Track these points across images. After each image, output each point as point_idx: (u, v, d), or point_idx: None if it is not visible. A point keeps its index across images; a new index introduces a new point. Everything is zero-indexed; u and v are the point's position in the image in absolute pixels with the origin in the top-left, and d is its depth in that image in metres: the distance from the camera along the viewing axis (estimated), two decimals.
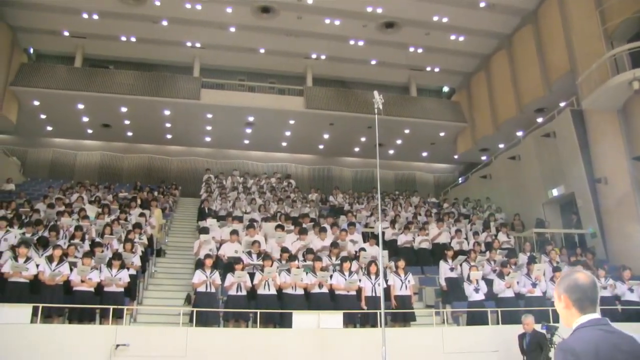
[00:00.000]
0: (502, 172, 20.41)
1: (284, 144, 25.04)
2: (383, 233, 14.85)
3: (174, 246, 15.32)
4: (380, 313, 7.28)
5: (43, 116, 21.88)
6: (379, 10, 19.49)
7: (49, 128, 23.14)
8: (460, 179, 25.56)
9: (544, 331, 8.35)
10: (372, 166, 25.89)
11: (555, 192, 17.53)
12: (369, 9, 19.43)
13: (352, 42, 21.61)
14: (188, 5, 19.25)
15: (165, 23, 20.31)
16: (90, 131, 23.51)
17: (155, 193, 18.76)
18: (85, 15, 19.75)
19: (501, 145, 21.99)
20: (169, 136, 24.17)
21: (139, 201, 16.10)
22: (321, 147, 25.19)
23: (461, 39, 21.17)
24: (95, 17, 19.83)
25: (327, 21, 20.19)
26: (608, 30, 16.21)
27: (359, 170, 26.85)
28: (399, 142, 24.71)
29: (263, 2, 19.13)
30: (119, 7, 19.21)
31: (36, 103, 20.83)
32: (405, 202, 19.75)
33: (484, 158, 23.39)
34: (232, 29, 20.75)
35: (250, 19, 20.01)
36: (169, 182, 21.79)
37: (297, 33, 20.96)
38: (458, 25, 20.33)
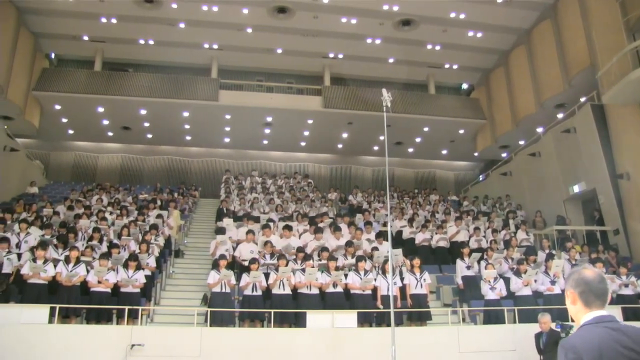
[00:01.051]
0: (523, 169, 20.14)
1: (303, 143, 25.06)
2: (400, 232, 14.85)
3: (192, 247, 15.42)
4: (391, 312, 7.16)
5: (64, 120, 22.24)
6: (395, 8, 19.38)
7: (71, 131, 23.51)
8: (480, 176, 25.30)
9: (558, 330, 8.22)
10: (391, 164, 25.83)
11: (576, 189, 17.25)
12: (385, 7, 19.34)
13: (369, 41, 21.54)
14: (204, 8, 19.38)
15: (182, 25, 20.47)
16: (110, 134, 23.83)
17: (175, 194, 18.96)
18: (103, 20, 20.02)
19: (521, 142, 21.71)
20: (188, 138, 24.37)
21: (158, 202, 16.29)
22: (340, 146, 25.15)
23: (479, 35, 20.96)
24: (114, 21, 20.09)
25: (344, 20, 20.16)
26: (629, 22, 15.92)
27: (378, 169, 26.74)
28: (418, 140, 24.56)
29: (279, 3, 19.17)
30: (136, 11, 19.43)
31: (57, 107, 21.18)
32: (424, 200, 19.64)
33: (504, 155, 23.11)
34: (249, 30, 20.84)
35: (267, 19, 20.07)
36: (189, 183, 21.96)
37: (314, 33, 20.97)
38: (475, 21, 20.12)
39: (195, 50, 22.18)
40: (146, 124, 22.83)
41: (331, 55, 22.79)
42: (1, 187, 17.83)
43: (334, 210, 17.50)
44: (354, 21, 20.20)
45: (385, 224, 16.74)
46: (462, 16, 19.75)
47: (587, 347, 2.33)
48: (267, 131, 23.61)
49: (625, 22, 15.70)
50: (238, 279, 10.48)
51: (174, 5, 19.27)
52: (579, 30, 17.65)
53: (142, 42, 21.56)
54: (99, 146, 24.94)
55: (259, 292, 10.10)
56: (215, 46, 22.09)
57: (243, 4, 19.35)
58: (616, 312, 10.37)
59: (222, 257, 10.52)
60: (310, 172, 25.03)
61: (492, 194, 20.73)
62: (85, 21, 20.20)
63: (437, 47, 21.88)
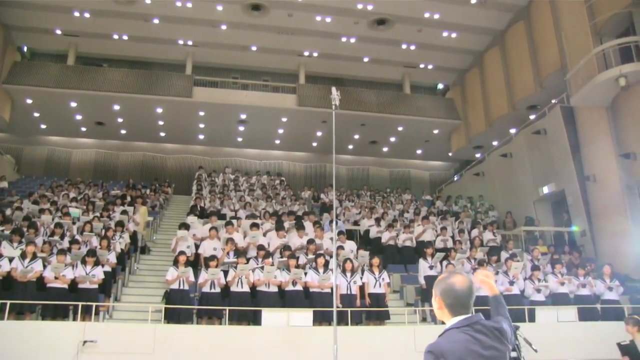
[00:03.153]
0: (495, 169, 20.30)
1: (278, 141, 25.05)
2: (367, 231, 14.86)
3: (161, 243, 15.32)
4: (333, 311, 7.17)
5: (36, 114, 22.02)
6: (370, 7, 19.42)
7: (43, 126, 23.28)
8: (455, 176, 25.43)
9: None
10: (366, 163, 25.95)
11: (545, 190, 17.42)
12: (360, 6, 19.38)
13: (344, 40, 21.58)
14: (178, 3, 19.28)
15: (156, 21, 20.35)
16: (84, 129, 23.62)
17: (147, 191, 18.84)
18: (77, 14, 19.84)
19: (495, 143, 21.87)
20: (162, 134, 24.26)
21: (128, 199, 16.17)
22: (315, 144, 25.15)
23: (454, 35, 21.07)
24: (87, 15, 19.93)
25: (318, 18, 20.18)
26: (597, 25, 16.05)
27: (353, 167, 26.80)
28: (393, 139, 24.65)
29: (253, 0, 19.10)
30: (110, 5, 19.29)
31: (29, 101, 20.96)
32: (396, 200, 19.71)
33: (478, 155, 23.25)
34: (224, 27, 20.77)
35: (241, 16, 20.02)
36: (162, 179, 21.82)
37: (289, 30, 20.97)
38: (450, 22, 20.23)
39: (170, 46, 22.07)
40: (120, 120, 22.67)
41: (306, 53, 22.79)
42: None
43: (304, 208, 17.49)
44: (328, 20, 20.21)
45: (355, 223, 16.82)
46: (436, 16, 19.83)
47: (451, 349, 2.41)
48: (242, 128, 23.56)
49: (593, 25, 15.83)
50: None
51: (148, 1, 19.15)
52: (551, 32, 17.81)
53: (116, 37, 21.40)
54: (73, 141, 24.71)
55: (217, 290, 10.06)
56: (190, 42, 22.01)
57: (217, 1, 19.27)
58: (572, 312, 10.49)
59: (181, 253, 10.46)
60: (285, 170, 25.06)
61: (466, 194, 20.87)
62: (58, 14, 19.99)
63: (412, 47, 21.96)
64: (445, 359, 2.37)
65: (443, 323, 2.59)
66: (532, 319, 10.30)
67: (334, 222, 7.49)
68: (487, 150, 22.09)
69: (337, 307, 10.13)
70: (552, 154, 17.04)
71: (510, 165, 19.20)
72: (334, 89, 7.53)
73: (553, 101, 17.74)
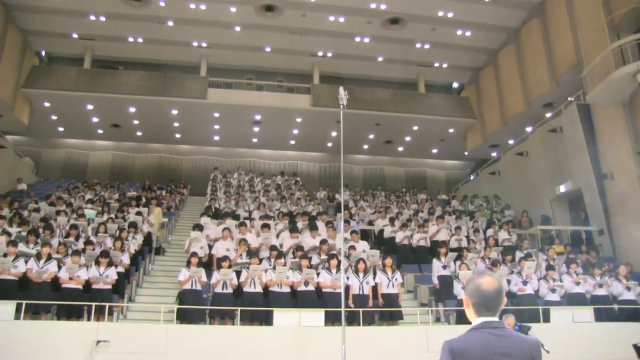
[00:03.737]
0: (510, 168, 20.11)
1: (293, 142, 25.07)
2: (382, 230, 14.80)
3: (176, 244, 15.39)
4: (341, 311, 7.16)
5: (54, 117, 22.30)
6: (383, 7, 19.36)
7: (61, 129, 23.56)
8: (472, 175, 25.24)
9: (516, 330, 8.17)
10: (381, 163, 25.89)
11: (562, 189, 17.21)
12: (373, 5, 19.32)
13: (357, 39, 21.53)
14: (192, 6, 19.39)
15: (170, 23, 20.48)
16: (100, 131, 23.86)
17: (163, 192, 18.98)
18: (92, 18, 20.06)
19: (511, 141, 21.65)
20: (178, 135, 24.41)
21: (143, 200, 16.30)
22: (330, 144, 25.12)
23: (468, 33, 20.91)
24: (102, 19, 20.13)
25: (332, 18, 20.15)
26: (614, 20, 15.85)
27: (369, 167, 26.75)
28: (408, 139, 24.55)
29: (266, 1, 19.16)
30: (124, 8, 19.45)
31: (47, 104, 21.24)
32: (411, 199, 19.62)
33: (494, 154, 23.04)
34: (237, 28, 20.84)
35: (255, 17, 20.06)
36: (178, 181, 21.96)
37: (302, 31, 20.97)
38: (464, 20, 20.07)
39: (184, 48, 22.19)
40: (136, 122, 22.86)
41: (320, 53, 22.78)
42: None
43: (319, 208, 17.49)
44: (342, 19, 20.18)
45: (370, 223, 16.78)
46: (450, 15, 19.70)
47: (463, 349, 2.49)
48: (256, 129, 23.63)
49: (609, 20, 15.62)
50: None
51: (162, 3, 19.29)
52: (566, 28, 17.60)
53: (131, 39, 21.57)
54: (90, 143, 24.98)
55: (230, 290, 10.10)
56: (204, 44, 22.11)
57: (230, 2, 19.35)
58: (588, 312, 10.35)
59: (194, 254, 10.54)
60: (300, 171, 25.07)
61: (482, 193, 20.73)
62: (74, 19, 20.22)
63: (426, 46, 21.84)
64: (462, 357, 2.46)
65: (467, 323, 2.66)
66: (546, 319, 10.19)
67: (341, 223, 7.45)
68: (502, 149, 21.89)
69: (349, 307, 10.19)
70: (569, 152, 16.83)
71: (526, 163, 19.01)
72: (341, 89, 7.54)
73: (570, 99, 17.52)
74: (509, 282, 10.96)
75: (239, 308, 9.59)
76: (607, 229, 15.30)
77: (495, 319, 2.57)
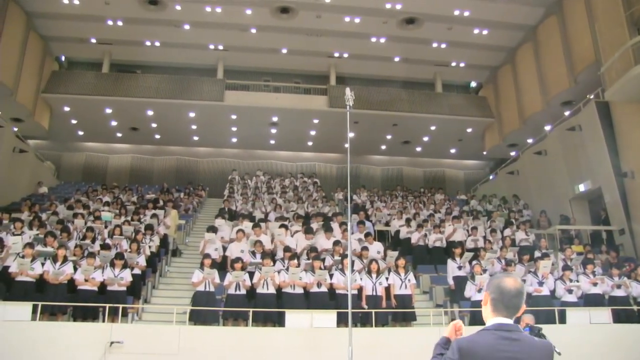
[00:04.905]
0: (529, 167, 19.88)
1: (310, 143, 25.07)
2: (398, 231, 14.73)
3: (193, 246, 15.47)
4: (349, 312, 7.13)
5: (74, 121, 22.60)
6: (398, 7, 19.27)
7: (80, 133, 23.89)
8: (491, 175, 25.01)
9: (527, 332, 8.04)
10: (400, 164, 25.77)
11: (582, 188, 16.95)
12: (388, 6, 19.24)
13: (373, 40, 21.46)
14: (208, 9, 19.51)
15: (187, 27, 20.64)
16: (119, 135, 24.17)
17: (181, 194, 19.11)
18: (110, 23, 20.30)
19: (530, 140, 21.38)
20: (196, 138, 24.59)
21: (160, 202, 16.44)
22: (347, 145, 25.02)
23: (485, 32, 20.71)
24: (120, 23, 20.36)
25: (347, 19, 20.12)
26: (633, 15, 15.60)
27: (387, 168, 26.65)
28: (425, 139, 24.40)
29: (281, 3, 19.21)
30: (141, 13, 19.66)
31: (66, 109, 21.57)
32: (428, 199, 19.48)
33: (513, 153, 22.79)
34: (253, 30, 20.91)
35: (270, 19, 20.12)
36: (196, 183, 22.12)
37: (318, 32, 20.96)
38: (480, 19, 19.88)
39: (201, 51, 22.34)
40: (154, 125, 23.09)
41: (336, 54, 22.77)
42: (11, 188, 18.16)
43: (335, 209, 17.46)
44: (357, 20, 20.14)
45: (387, 224, 16.70)
46: (466, 13, 19.54)
47: (470, 350, 2.47)
48: (274, 131, 23.69)
49: (628, 15, 15.36)
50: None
51: (178, 7, 19.44)
52: (584, 25, 17.34)
53: (148, 43, 21.81)
54: (109, 147, 25.30)
55: (243, 292, 10.13)
56: (220, 47, 22.22)
57: (246, 5, 19.43)
58: (606, 314, 10.17)
59: (207, 256, 10.60)
60: (318, 172, 25.05)
61: (501, 193, 20.51)
62: (92, 24, 20.49)
63: (443, 45, 21.68)
64: (468, 357, 2.44)
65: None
66: (562, 320, 10.04)
67: (349, 224, 7.42)
68: (521, 148, 21.63)
69: (362, 308, 10.16)
70: (588, 150, 16.56)
71: (545, 163, 18.76)
72: (347, 90, 7.51)
73: (589, 97, 17.24)
74: (524, 282, 10.80)
75: (251, 309, 9.61)
76: (628, 228, 15.03)
77: (510, 321, 2.54)
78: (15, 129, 19.43)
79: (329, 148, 25.55)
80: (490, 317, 2.58)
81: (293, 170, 24.57)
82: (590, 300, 10.71)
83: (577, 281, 10.86)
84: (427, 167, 27.02)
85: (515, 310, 2.55)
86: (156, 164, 25.50)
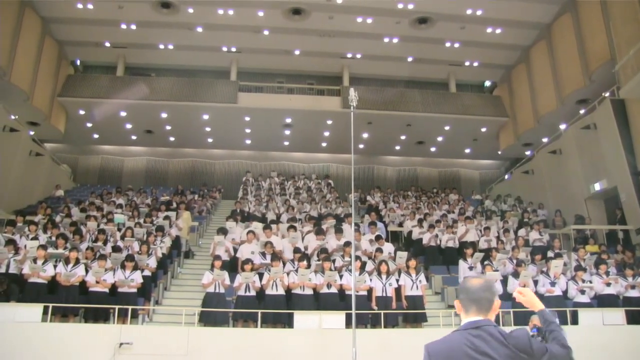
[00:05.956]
0: (544, 167, 19.67)
1: (324, 144, 25.02)
2: (411, 232, 14.66)
3: (207, 248, 15.51)
4: (352, 313, 7.10)
5: (89, 125, 22.83)
6: (410, 6, 19.19)
7: (96, 136, 24.13)
8: (506, 175, 24.79)
9: (534, 333, 7.94)
10: (414, 164, 25.66)
11: (597, 187, 16.72)
12: (400, 6, 19.17)
13: (386, 40, 21.39)
14: (220, 11, 19.61)
15: (200, 29, 20.77)
16: (134, 137, 24.36)
17: (195, 196, 19.19)
18: (124, 26, 20.50)
19: (545, 140, 21.16)
20: (210, 140, 24.70)
21: (174, 204, 16.52)
22: (361, 146, 25.00)
23: (498, 31, 20.53)
24: (133, 27, 20.54)
25: (359, 20, 20.09)
26: None
27: (402, 168, 26.55)
28: (440, 139, 24.25)
29: (293, 5, 19.24)
30: (154, 16, 19.81)
31: (82, 112, 21.79)
32: (442, 200, 19.36)
33: (528, 153, 22.57)
34: (266, 32, 20.96)
35: (283, 21, 20.16)
36: (211, 185, 22.21)
37: (331, 33, 20.95)
38: (493, 17, 19.74)
39: (214, 53, 22.45)
40: (168, 127, 23.24)
41: (349, 55, 22.72)
42: (27, 191, 18.46)
43: (348, 210, 17.40)
44: (369, 20, 20.10)
45: (400, 225, 16.63)
46: (479, 12, 19.40)
47: (439, 351, 2.49)
48: (287, 132, 23.72)
49: None
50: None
51: (191, 10, 19.56)
52: (599, 22, 17.13)
53: (162, 46, 21.98)
54: (125, 149, 25.53)
55: (252, 293, 10.14)
56: (233, 49, 22.32)
57: (258, 7, 19.50)
58: (619, 315, 10.01)
59: (217, 257, 10.65)
60: (332, 173, 25.01)
61: (516, 193, 20.37)
62: (106, 28, 20.72)
63: (456, 45, 21.55)
64: (435, 357, 2.47)
65: None
66: (575, 321, 9.90)
67: (352, 226, 7.40)
68: (536, 147, 21.41)
69: (372, 309, 10.12)
70: (603, 149, 16.34)
71: (560, 162, 18.55)
72: (351, 90, 7.53)
73: (606, 94, 16.99)
74: (536, 282, 10.70)
75: (259, 310, 9.62)
76: None
77: (480, 317, 2.50)
78: (32, 133, 19.71)
79: (343, 149, 25.40)
80: (463, 319, 2.56)
81: (307, 172, 24.55)
82: (603, 301, 10.54)
83: (590, 282, 10.70)
84: (442, 167, 26.86)
85: (486, 303, 2.51)
86: (171, 166, 25.67)
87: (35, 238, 11.47)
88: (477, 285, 2.56)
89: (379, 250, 11.87)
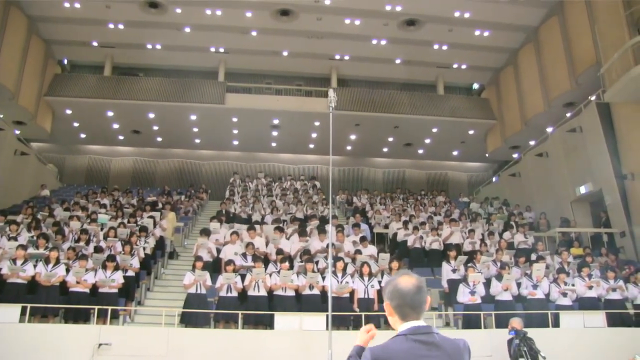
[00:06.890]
0: (531, 169, 19.74)
1: (312, 145, 25.00)
2: (396, 234, 14.65)
3: (191, 249, 15.45)
4: (328, 315, 7.08)
5: (76, 124, 22.70)
6: (398, 8, 19.22)
7: (83, 135, 24.00)
8: (493, 177, 24.88)
9: (512, 336, 7.96)
10: (402, 166, 25.66)
11: (583, 190, 16.78)
12: (388, 7, 19.19)
13: (374, 42, 21.40)
14: (208, 12, 19.56)
15: (188, 30, 20.70)
16: (121, 137, 24.24)
17: (182, 197, 19.11)
18: (111, 26, 20.39)
19: (532, 142, 21.25)
20: (197, 141, 24.63)
21: (159, 205, 16.45)
22: (349, 148, 25.02)
23: (486, 34, 20.60)
24: (121, 27, 20.44)
25: (347, 21, 20.10)
26: (633, 15, 15.46)
27: (389, 170, 26.57)
28: (427, 141, 24.29)
29: (281, 5, 19.21)
30: (142, 16, 19.72)
31: (68, 112, 21.67)
32: (429, 202, 19.39)
33: (515, 156, 22.66)
34: (254, 33, 20.91)
35: (271, 22, 20.12)
36: (198, 185, 22.13)
37: (319, 34, 20.95)
38: (481, 20, 19.80)
39: (202, 53, 22.37)
40: (155, 128, 23.15)
41: (337, 56, 22.72)
42: (13, 191, 18.28)
43: (333, 212, 17.40)
44: (357, 22, 20.12)
45: (386, 227, 16.60)
46: (467, 15, 19.46)
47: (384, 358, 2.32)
48: (275, 133, 23.68)
49: (628, 16, 15.23)
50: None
51: (178, 10, 19.50)
52: (585, 26, 17.24)
53: (149, 46, 21.88)
54: (112, 150, 25.41)
55: (234, 294, 10.10)
56: (221, 49, 22.26)
57: (246, 8, 19.46)
58: (600, 317, 10.05)
59: (198, 258, 10.61)
60: (320, 174, 24.99)
61: (503, 195, 20.42)
62: (94, 27, 20.61)
63: (444, 47, 21.59)
64: None
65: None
66: (556, 324, 9.93)
67: (330, 229, 7.38)
68: (523, 150, 21.50)
69: (354, 311, 10.09)
70: (589, 152, 16.42)
71: (546, 165, 18.63)
72: (330, 91, 7.51)
73: (590, 98, 17.08)
74: (519, 285, 10.71)
75: (239, 312, 9.58)
76: (628, 230, 14.88)
77: (423, 322, 2.41)
78: (17, 132, 19.56)
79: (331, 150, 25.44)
80: (401, 324, 2.42)
81: (295, 173, 24.53)
82: (585, 304, 10.56)
83: (573, 284, 10.73)
84: (430, 169, 26.92)
85: (421, 308, 2.43)
86: (159, 167, 25.58)
87: (15, 238, 11.36)
88: (412, 287, 2.42)
89: (358, 252, 11.84)
